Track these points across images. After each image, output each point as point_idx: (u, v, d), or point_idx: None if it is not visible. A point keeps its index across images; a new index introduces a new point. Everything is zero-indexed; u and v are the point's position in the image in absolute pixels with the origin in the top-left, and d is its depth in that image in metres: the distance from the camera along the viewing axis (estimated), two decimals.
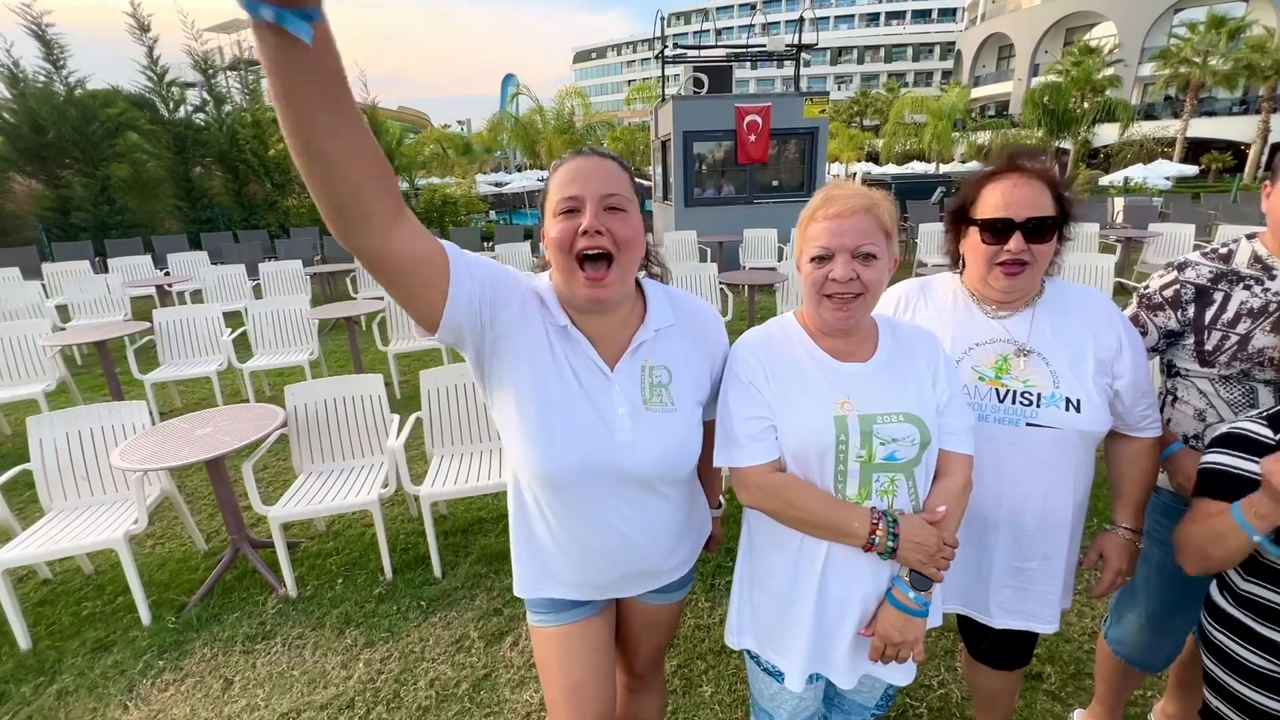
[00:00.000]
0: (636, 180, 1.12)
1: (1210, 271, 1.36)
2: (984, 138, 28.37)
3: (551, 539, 1.15)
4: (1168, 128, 27.98)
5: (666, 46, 8.58)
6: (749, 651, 1.30)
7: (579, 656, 1.25)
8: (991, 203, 1.23)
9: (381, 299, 5.47)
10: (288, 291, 7.01)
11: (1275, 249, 1.30)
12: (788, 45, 8.88)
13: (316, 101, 0.68)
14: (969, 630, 1.55)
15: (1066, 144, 26.21)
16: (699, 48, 9.67)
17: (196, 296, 7.51)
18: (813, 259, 1.10)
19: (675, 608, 1.38)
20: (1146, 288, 1.45)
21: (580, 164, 1.03)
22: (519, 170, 27.40)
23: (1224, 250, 1.37)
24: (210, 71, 12.24)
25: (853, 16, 65.88)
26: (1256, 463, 1.13)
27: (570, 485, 1.08)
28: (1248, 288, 1.31)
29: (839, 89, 59.70)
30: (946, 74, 53.11)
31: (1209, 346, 1.35)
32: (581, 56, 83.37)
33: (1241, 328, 1.30)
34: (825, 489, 1.10)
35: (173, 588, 2.74)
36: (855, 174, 25.11)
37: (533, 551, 1.19)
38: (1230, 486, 1.17)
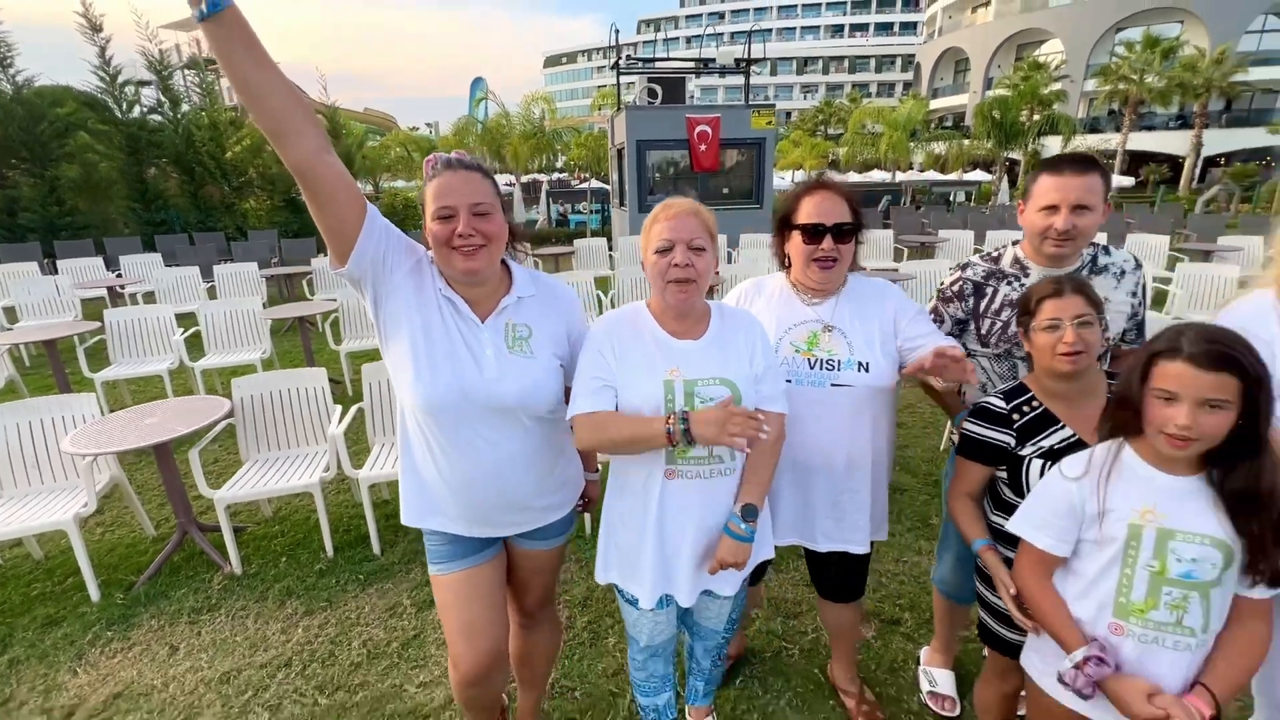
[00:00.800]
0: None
1: (984, 271, 1.69)
2: (941, 148, 29.51)
3: (434, 467, 1.40)
4: (1110, 141, 29.41)
5: (621, 58, 8.88)
6: (616, 586, 1.57)
7: (471, 599, 1.50)
8: (807, 212, 1.55)
9: (335, 300, 5.63)
10: (243, 294, 7.08)
11: (1030, 254, 1.63)
12: (736, 59, 9.28)
13: (238, 47, 1.06)
14: (814, 573, 1.86)
15: (1016, 154, 27.41)
16: (652, 59, 9.99)
17: (149, 298, 7.52)
18: (657, 251, 1.38)
19: (555, 554, 1.64)
20: (942, 284, 1.77)
21: (450, 179, 1.30)
22: None
23: (995, 254, 1.71)
24: (165, 71, 12.12)
25: (818, 27, 67.37)
26: (994, 429, 1.46)
27: (447, 410, 1.33)
28: (1010, 283, 1.64)
29: (805, 98, 61.01)
30: (908, 85, 54.71)
31: (984, 331, 1.67)
32: (552, 61, 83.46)
33: (1005, 315, 1.63)
34: (659, 456, 1.38)
35: (121, 569, 2.89)
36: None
37: (418, 481, 1.44)
38: (976, 448, 1.49)
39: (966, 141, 26.77)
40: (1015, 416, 1.44)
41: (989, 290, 1.66)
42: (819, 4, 66.51)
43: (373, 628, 2.46)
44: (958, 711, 1.99)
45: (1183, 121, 30.85)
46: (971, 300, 1.69)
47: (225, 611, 2.58)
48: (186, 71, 13.32)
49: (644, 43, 68.46)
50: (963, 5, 43.28)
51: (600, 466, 1.80)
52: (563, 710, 2.05)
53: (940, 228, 11.23)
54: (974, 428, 1.49)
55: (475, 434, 1.36)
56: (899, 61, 61.61)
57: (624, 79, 9.88)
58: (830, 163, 33.03)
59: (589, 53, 79.22)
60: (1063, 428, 1.40)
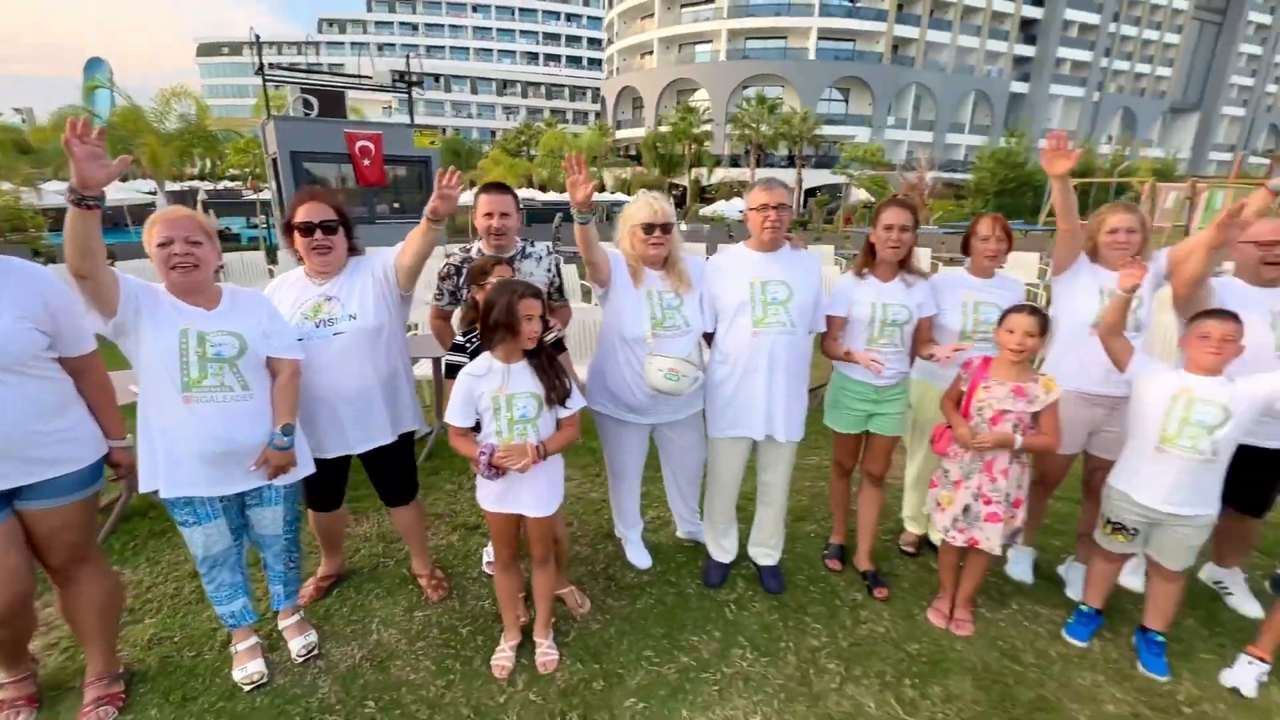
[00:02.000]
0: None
1: (460, 258, 2.54)
2: (628, 173, 33.84)
3: None
4: (745, 174, 37.25)
5: (265, 63, 8.48)
6: (166, 503, 1.94)
7: None
8: (300, 215, 2.15)
9: None
10: None
11: (486, 246, 2.52)
12: (399, 72, 9.58)
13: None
14: (375, 484, 2.48)
15: (682, 180, 33.02)
16: (305, 71, 9.74)
17: None
18: (159, 245, 1.83)
19: (68, 511, 1.82)
20: (443, 265, 2.58)
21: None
22: (122, 180, 22.32)
23: (469, 247, 2.57)
24: None
25: (514, 52, 70.36)
26: (458, 355, 2.24)
27: None
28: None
29: (508, 119, 63.20)
30: (599, 115, 60.78)
31: (443, 301, 2.51)
32: (209, 49, 70.85)
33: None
34: (177, 385, 1.82)
35: None
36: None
37: None
38: (451, 370, 2.26)
39: (640, 169, 31.38)
40: (468, 346, 2.26)
41: (464, 270, 2.50)
42: (513, 30, 69.49)
43: None
44: None
45: (791, 161, 40.43)
46: (456, 278, 2.52)
47: None
48: None
49: (327, 44, 62.91)
50: (634, 50, 49.82)
51: (130, 436, 2.06)
52: (159, 653, 2.31)
53: (604, 239, 13.21)
54: (447, 356, 2.28)
55: None
56: (589, 93, 68.00)
57: (285, 86, 9.42)
58: (539, 184, 35.25)
59: (258, 45, 69.40)
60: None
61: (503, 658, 2.27)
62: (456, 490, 3.55)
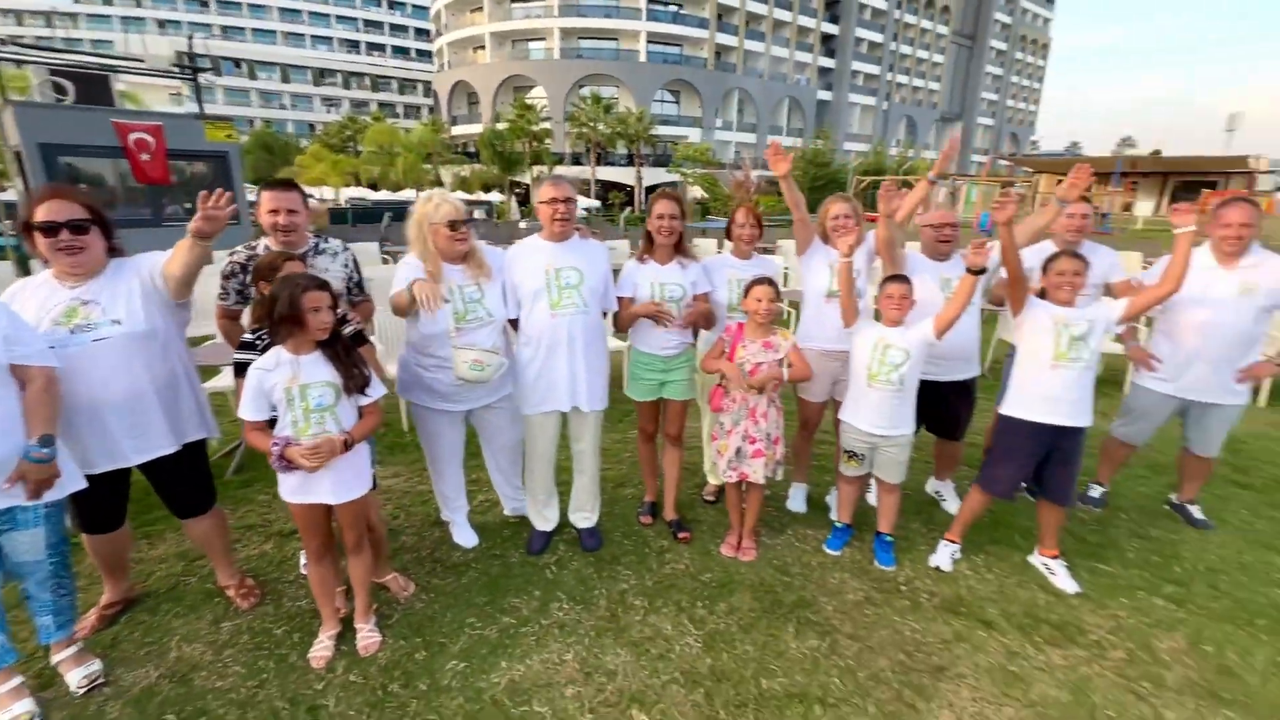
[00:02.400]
0: None
1: (244, 255, 2.48)
2: (466, 170, 32.71)
3: None
4: (585, 172, 37.75)
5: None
6: None
7: None
8: (41, 214, 1.98)
9: None
10: None
11: (273, 243, 2.49)
12: (187, 55, 8.45)
13: None
14: (162, 496, 2.35)
15: (524, 179, 32.70)
16: (56, 49, 8.32)
17: None
18: None
19: None
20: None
21: None
22: None
23: (254, 244, 2.52)
24: None
25: (331, 39, 64.45)
26: (248, 354, 2.20)
27: None
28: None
29: (329, 111, 58.01)
30: (432, 110, 57.77)
31: (230, 301, 2.46)
32: None
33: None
34: None
35: None
36: (334, 198, 25.44)
37: None
38: (240, 368, 2.23)
39: (479, 166, 30.55)
40: (258, 343, 2.23)
41: (249, 267, 2.45)
42: (328, 15, 63.62)
43: None
44: None
45: (630, 160, 41.63)
46: (242, 275, 2.47)
47: None
48: None
49: (88, 17, 53.08)
50: (465, 44, 48.08)
51: None
52: None
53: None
54: (236, 355, 2.24)
55: None
56: (421, 86, 64.41)
57: (29, 66, 7.89)
58: (370, 182, 32.85)
59: None
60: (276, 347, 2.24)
61: (321, 649, 2.29)
62: (271, 500, 3.39)
